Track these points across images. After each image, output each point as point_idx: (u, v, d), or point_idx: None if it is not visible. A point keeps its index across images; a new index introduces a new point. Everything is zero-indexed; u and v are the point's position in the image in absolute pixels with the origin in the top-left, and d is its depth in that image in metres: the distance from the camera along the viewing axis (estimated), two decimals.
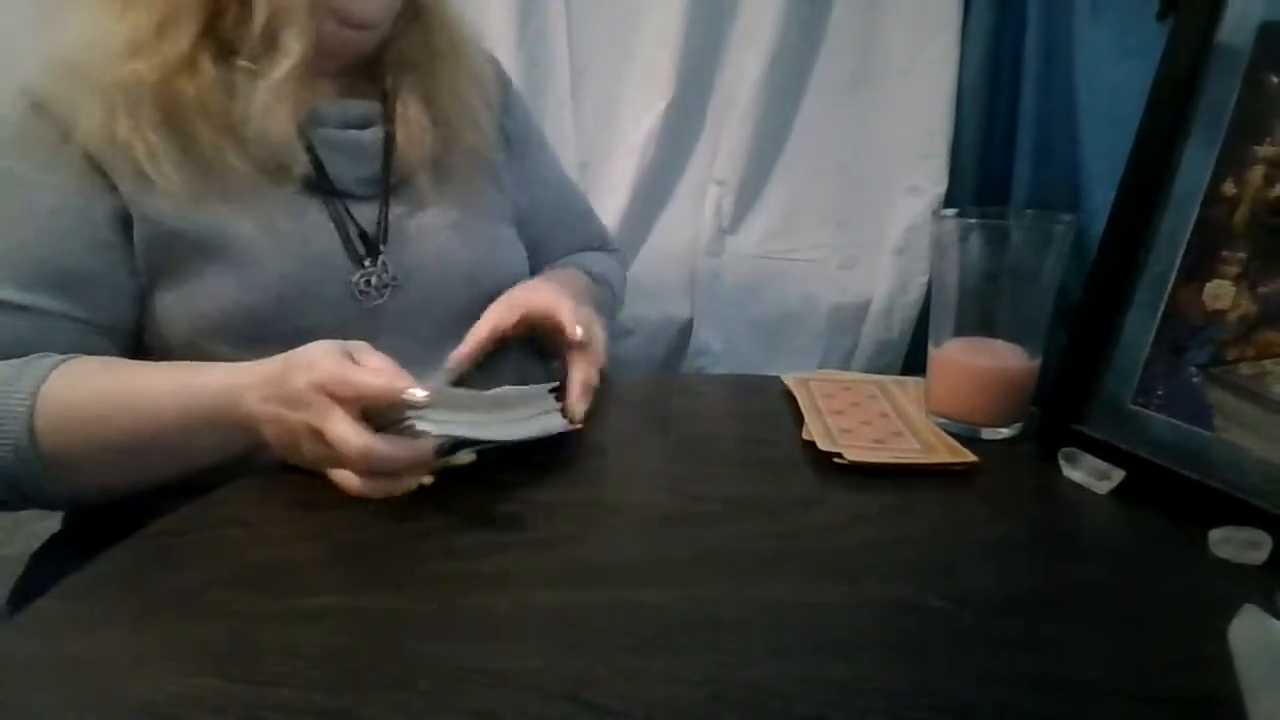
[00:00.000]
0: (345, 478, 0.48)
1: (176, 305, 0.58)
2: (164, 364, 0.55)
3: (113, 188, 0.56)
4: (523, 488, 0.51)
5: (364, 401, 0.46)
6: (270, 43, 0.58)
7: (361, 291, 0.62)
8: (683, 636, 0.36)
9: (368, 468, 0.46)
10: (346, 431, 0.45)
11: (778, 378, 0.70)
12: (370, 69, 0.68)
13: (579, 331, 0.62)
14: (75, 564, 0.42)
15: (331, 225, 0.62)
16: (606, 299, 0.84)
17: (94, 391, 0.52)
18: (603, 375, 0.64)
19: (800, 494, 0.51)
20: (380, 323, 0.62)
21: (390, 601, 0.39)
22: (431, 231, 0.67)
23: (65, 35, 0.57)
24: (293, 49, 0.58)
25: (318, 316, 0.59)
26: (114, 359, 0.57)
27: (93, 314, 0.57)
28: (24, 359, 0.53)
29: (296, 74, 0.58)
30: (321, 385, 0.46)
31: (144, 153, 0.55)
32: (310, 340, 0.51)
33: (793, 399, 0.64)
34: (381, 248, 0.64)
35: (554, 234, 0.85)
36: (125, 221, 0.57)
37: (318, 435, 0.46)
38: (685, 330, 1.09)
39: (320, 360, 0.48)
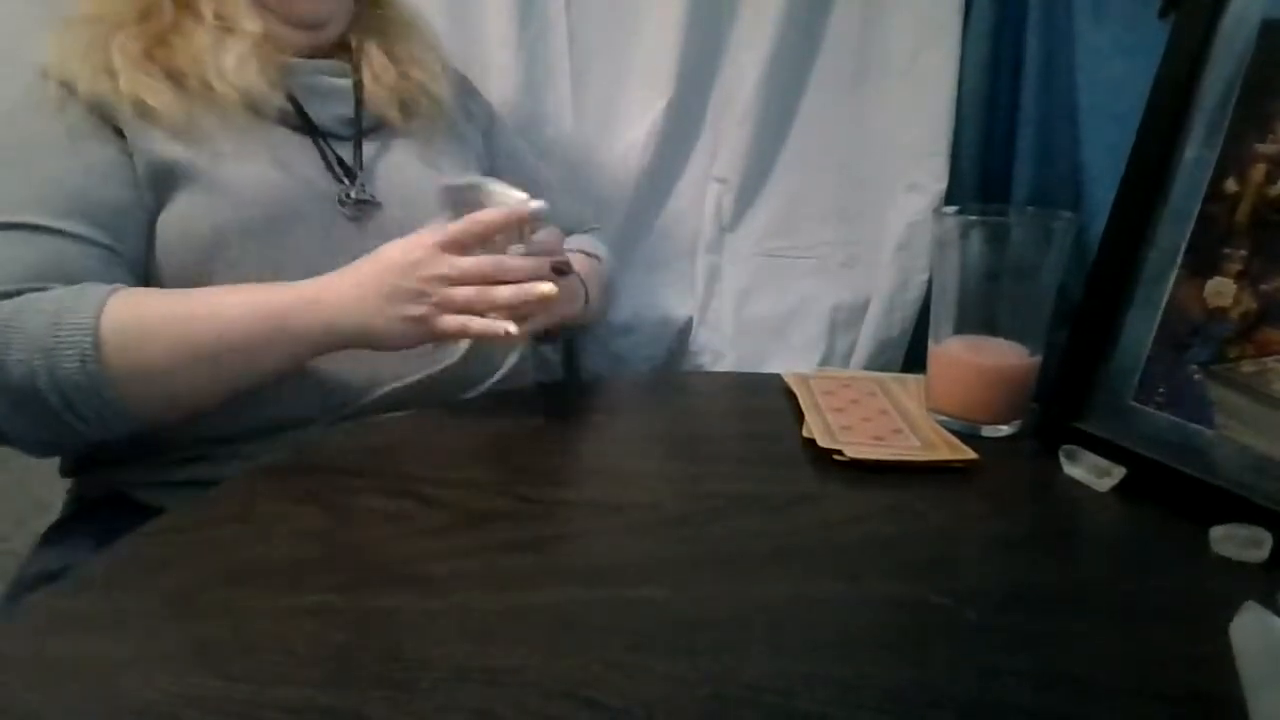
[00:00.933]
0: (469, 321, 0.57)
1: (172, 226, 0.63)
2: (235, 288, 0.60)
3: (118, 132, 0.62)
4: (523, 488, 0.51)
5: (483, 237, 0.58)
6: (227, 29, 0.65)
7: (343, 203, 0.68)
8: (682, 636, 0.36)
9: (496, 275, 0.57)
10: (468, 260, 0.57)
11: (778, 375, 0.70)
12: (335, 42, 0.75)
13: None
14: (79, 552, 0.43)
15: (315, 153, 0.69)
16: (605, 271, 0.90)
17: (166, 305, 0.57)
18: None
19: (800, 491, 0.50)
20: (364, 244, 0.62)
21: (390, 601, 0.39)
22: (401, 163, 0.74)
23: (60, 24, 0.64)
24: (248, 29, 0.65)
25: (305, 232, 0.65)
26: (166, 290, 0.61)
27: (118, 243, 0.61)
28: (79, 285, 0.56)
29: (260, 42, 0.65)
30: (448, 240, 0.57)
31: (147, 89, 0.61)
32: (300, 259, 0.61)
33: (793, 396, 0.64)
34: (359, 173, 0.71)
35: None
36: (131, 160, 0.62)
37: (441, 279, 0.57)
38: (685, 329, 1.09)
39: (414, 238, 0.58)
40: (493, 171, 0.85)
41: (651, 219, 1.10)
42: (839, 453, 0.53)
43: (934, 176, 0.96)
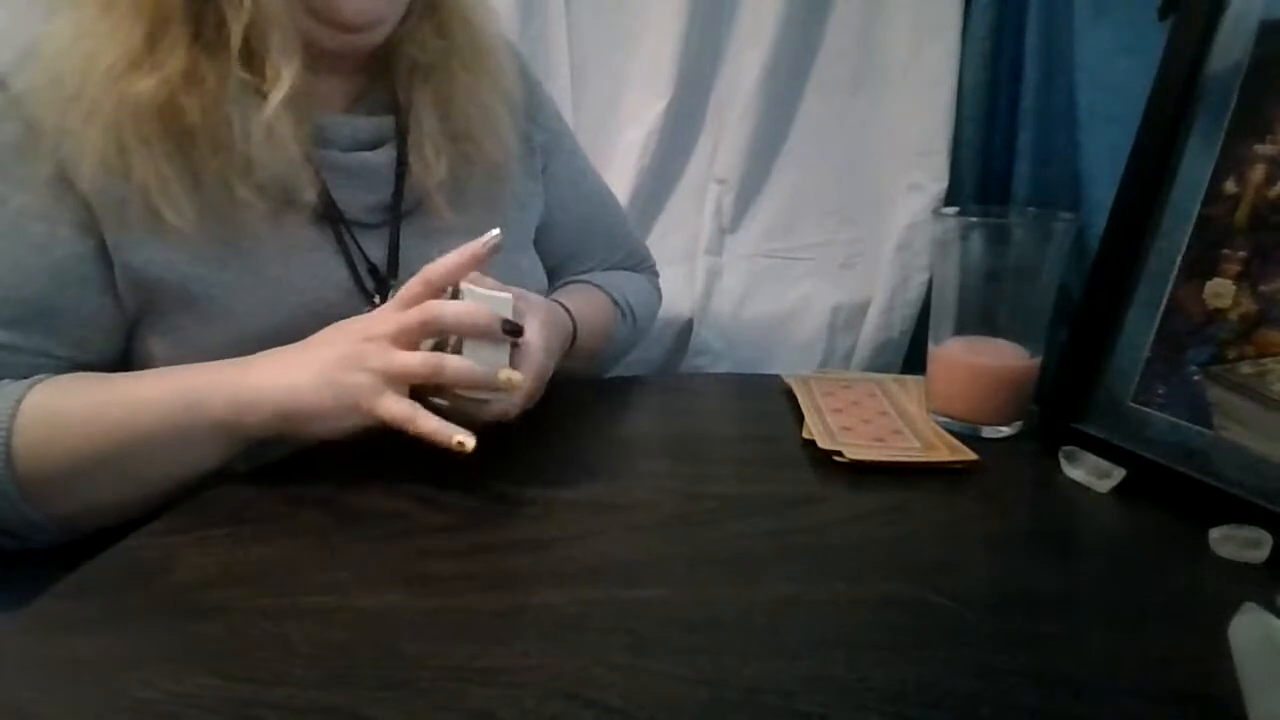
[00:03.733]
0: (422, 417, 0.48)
1: (164, 352, 0.55)
2: (158, 370, 0.53)
3: (94, 225, 0.52)
4: (523, 487, 0.51)
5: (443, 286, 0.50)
6: (258, 63, 0.52)
7: None
8: (683, 636, 0.36)
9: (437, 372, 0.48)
10: (411, 358, 0.48)
11: (778, 376, 0.70)
12: (382, 70, 0.62)
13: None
14: None
15: (340, 260, 0.59)
16: (620, 327, 0.78)
17: (83, 398, 0.50)
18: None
19: (800, 492, 0.50)
20: None
21: (390, 601, 0.39)
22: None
23: (49, 53, 0.51)
24: (283, 73, 0.52)
25: None
26: (88, 374, 0.54)
27: (81, 352, 0.54)
28: None
29: (296, 93, 0.53)
30: (400, 316, 0.49)
31: (157, 188, 0.51)
32: None
33: (793, 397, 0.64)
34: (392, 283, 0.60)
35: (581, 250, 0.81)
36: (109, 262, 0.53)
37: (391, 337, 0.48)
38: (685, 329, 1.09)
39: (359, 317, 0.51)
40: (557, 216, 0.76)
41: (651, 219, 1.10)
42: (839, 454, 0.53)
43: (934, 177, 0.96)
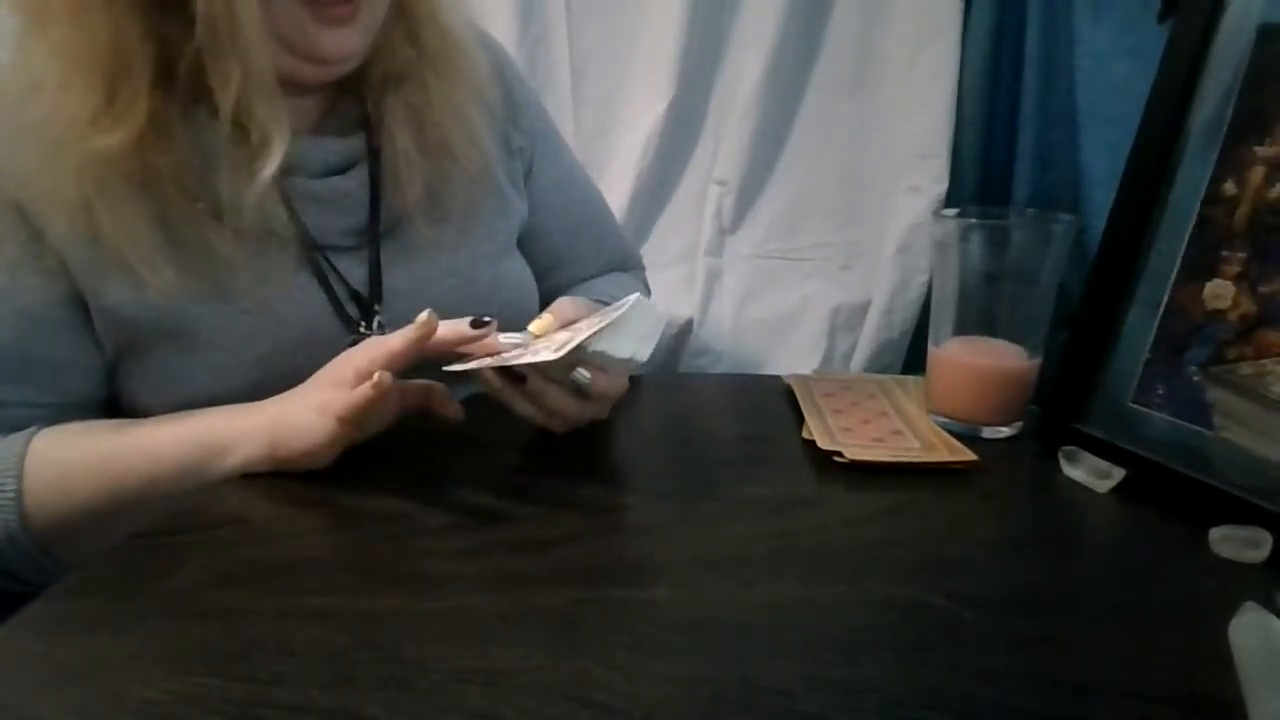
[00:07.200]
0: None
1: (143, 390, 0.56)
2: (149, 420, 0.54)
3: (73, 278, 0.52)
4: (523, 487, 0.51)
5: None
6: (245, 126, 0.51)
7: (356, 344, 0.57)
8: (683, 636, 0.36)
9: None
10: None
11: (778, 377, 0.70)
12: (351, 81, 0.59)
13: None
14: None
15: (319, 289, 0.57)
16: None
17: (84, 461, 0.51)
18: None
19: (800, 493, 0.50)
20: None
21: (390, 601, 0.39)
22: (429, 284, 0.61)
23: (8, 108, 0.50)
24: (274, 144, 0.51)
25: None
26: (89, 423, 0.55)
27: (62, 396, 0.55)
28: None
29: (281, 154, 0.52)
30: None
31: (132, 251, 0.51)
32: None
33: (793, 398, 0.64)
34: (377, 307, 0.59)
35: (570, 255, 0.79)
36: (83, 304, 0.53)
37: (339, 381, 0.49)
38: (685, 330, 1.09)
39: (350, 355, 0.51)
40: (542, 221, 0.74)
41: (652, 220, 1.10)
42: (839, 454, 0.53)
43: (934, 178, 0.96)
